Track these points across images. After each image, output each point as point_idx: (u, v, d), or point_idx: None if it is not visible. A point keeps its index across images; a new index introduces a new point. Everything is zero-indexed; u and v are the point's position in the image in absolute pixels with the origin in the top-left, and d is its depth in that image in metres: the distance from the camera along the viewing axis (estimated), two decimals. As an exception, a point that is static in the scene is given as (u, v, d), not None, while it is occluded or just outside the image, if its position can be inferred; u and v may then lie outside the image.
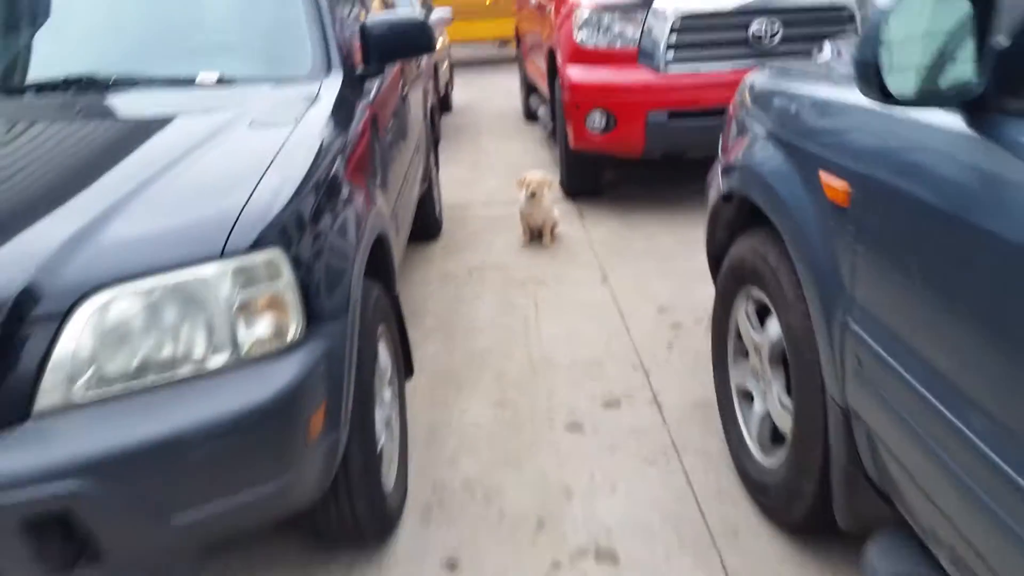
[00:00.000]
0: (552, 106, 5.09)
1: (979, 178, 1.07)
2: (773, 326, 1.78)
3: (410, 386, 2.49)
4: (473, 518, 2.02)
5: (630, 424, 2.40)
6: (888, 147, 1.28)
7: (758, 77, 2.03)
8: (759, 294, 1.85)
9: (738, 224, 2.02)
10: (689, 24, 3.90)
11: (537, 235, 4.02)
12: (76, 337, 1.25)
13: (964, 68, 1.06)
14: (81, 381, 1.25)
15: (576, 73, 4.21)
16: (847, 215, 1.35)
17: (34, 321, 1.23)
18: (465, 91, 9.23)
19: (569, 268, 3.70)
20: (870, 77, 1.09)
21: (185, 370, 1.31)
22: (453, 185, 5.13)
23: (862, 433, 1.43)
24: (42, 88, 2.16)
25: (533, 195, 3.76)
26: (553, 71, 4.83)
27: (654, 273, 3.53)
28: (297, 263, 1.44)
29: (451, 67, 8.43)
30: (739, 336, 2.04)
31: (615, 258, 3.78)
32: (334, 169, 1.76)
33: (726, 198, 1.99)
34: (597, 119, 4.07)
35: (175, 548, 1.35)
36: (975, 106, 1.07)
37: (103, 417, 1.25)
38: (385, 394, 1.95)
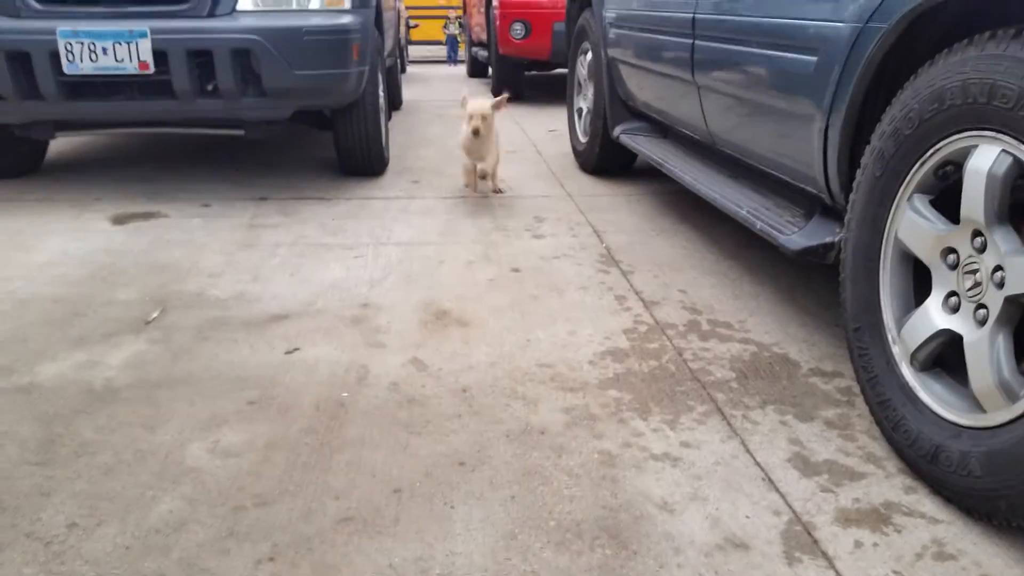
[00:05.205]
0: (488, 38, 6.74)
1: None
2: (589, 57, 3.42)
3: (391, 149, 4.03)
4: (427, 172, 3.60)
5: (524, 156, 4.03)
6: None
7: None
8: (586, 44, 3.49)
9: (580, 8, 3.66)
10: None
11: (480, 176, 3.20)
12: (254, -11, 2.78)
13: None
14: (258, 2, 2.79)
15: (504, -3, 5.90)
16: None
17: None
18: (418, 77, 10.87)
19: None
20: None
21: (301, 6, 2.86)
22: (414, 97, 6.74)
23: (616, 71, 3.06)
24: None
25: (476, 132, 2.94)
26: (488, 9, 6.50)
27: (546, 119, 5.20)
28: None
29: (408, 29, 10.07)
30: (578, 81, 3.68)
31: (526, 115, 5.45)
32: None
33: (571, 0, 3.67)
34: (518, 28, 5.73)
35: (294, 91, 2.86)
36: None
37: (267, 16, 2.79)
38: (381, 94, 3.50)
